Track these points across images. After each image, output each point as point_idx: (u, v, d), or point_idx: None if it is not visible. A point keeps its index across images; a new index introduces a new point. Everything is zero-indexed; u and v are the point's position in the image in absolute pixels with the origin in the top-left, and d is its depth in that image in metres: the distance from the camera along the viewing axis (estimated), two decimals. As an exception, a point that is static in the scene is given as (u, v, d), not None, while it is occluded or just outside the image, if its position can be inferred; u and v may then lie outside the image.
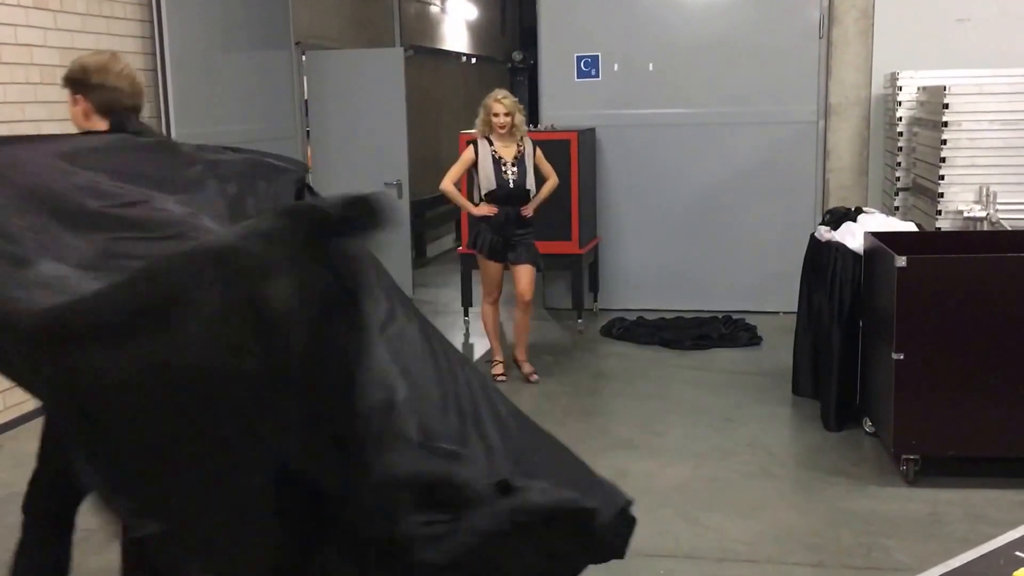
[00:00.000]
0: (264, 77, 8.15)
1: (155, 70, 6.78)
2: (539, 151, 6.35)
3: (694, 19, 8.10)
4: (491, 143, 6.19)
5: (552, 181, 6.37)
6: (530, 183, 6.22)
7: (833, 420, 5.31)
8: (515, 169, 6.16)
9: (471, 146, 6.24)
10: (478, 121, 6.27)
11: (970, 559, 2.19)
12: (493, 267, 6.30)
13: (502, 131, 6.15)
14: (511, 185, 6.16)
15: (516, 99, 6.25)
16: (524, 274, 6.26)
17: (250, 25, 7.97)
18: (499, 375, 6.35)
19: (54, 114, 5.98)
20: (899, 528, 4.17)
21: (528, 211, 6.23)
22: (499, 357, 6.49)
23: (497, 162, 6.15)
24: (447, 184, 6.28)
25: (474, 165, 6.21)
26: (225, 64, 7.57)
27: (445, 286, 9.53)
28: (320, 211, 1.99)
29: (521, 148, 6.24)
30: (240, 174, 2.75)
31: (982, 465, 4.65)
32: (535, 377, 6.39)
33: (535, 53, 8.58)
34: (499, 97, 6.17)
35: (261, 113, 8.06)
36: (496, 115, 6.14)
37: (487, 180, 6.16)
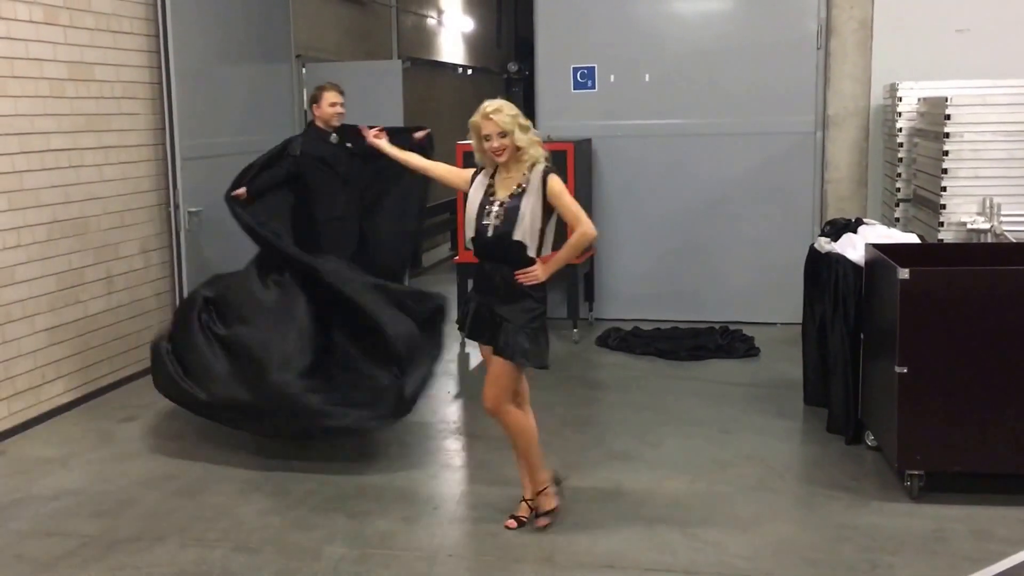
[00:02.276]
0: (265, 89, 8.24)
1: (160, 83, 6.90)
2: (556, 185, 4.18)
3: (690, 30, 8.09)
4: (493, 174, 4.30)
5: (578, 233, 4.19)
6: (520, 233, 4.15)
7: (850, 431, 5.25)
8: (499, 211, 4.19)
9: (472, 173, 4.41)
10: (475, 148, 4.32)
11: (981, 581, 2.13)
12: (483, 351, 4.40)
13: (499, 158, 4.19)
14: (488, 233, 4.21)
15: (516, 112, 4.20)
16: (492, 368, 4.32)
17: (252, 39, 8.08)
18: (529, 517, 4.41)
19: (62, 126, 6.06)
20: (903, 545, 4.12)
21: (523, 277, 4.18)
22: (528, 494, 4.45)
23: (484, 198, 4.26)
24: (428, 165, 4.72)
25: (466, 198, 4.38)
26: (228, 77, 7.69)
27: (442, 296, 9.47)
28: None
29: (525, 181, 4.23)
30: None
31: (988, 481, 4.59)
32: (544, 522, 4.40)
33: (530, 64, 8.56)
34: (488, 111, 4.15)
35: (262, 124, 8.11)
36: (487, 138, 4.17)
37: (467, 223, 4.32)
